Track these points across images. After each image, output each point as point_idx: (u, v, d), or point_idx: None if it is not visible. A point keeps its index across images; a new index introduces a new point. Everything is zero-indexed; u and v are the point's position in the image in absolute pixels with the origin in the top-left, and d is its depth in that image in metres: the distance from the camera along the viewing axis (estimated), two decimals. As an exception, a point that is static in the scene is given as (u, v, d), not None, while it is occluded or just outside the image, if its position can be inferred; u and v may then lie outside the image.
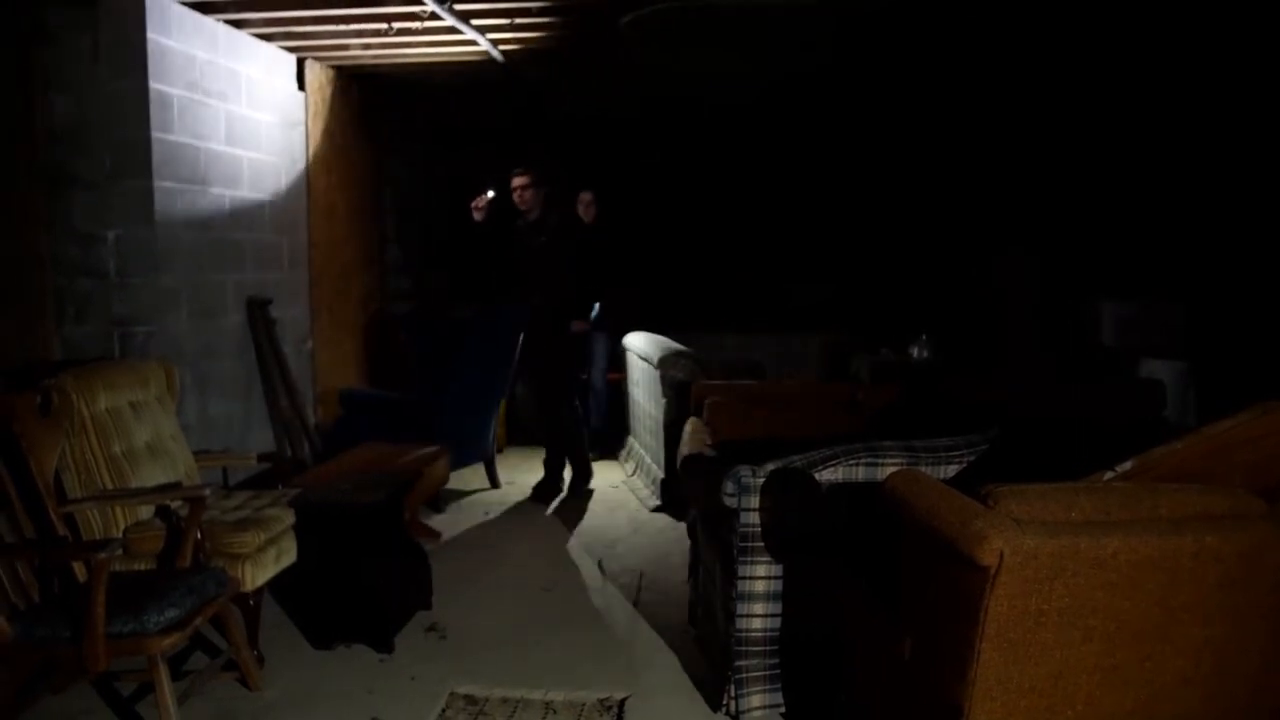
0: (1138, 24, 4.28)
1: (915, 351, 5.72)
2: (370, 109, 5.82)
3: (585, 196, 6.06)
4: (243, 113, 4.37)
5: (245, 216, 4.44)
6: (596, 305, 6.00)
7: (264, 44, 4.52)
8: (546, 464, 5.35)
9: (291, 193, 4.90)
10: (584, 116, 6.70)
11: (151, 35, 3.67)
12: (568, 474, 5.39)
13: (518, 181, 5.03)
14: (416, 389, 5.28)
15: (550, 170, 5.24)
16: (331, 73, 5.28)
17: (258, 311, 4.51)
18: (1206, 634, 1.77)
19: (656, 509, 5.00)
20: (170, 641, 2.44)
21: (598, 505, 5.17)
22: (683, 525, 4.22)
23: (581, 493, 5.29)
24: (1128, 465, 1.99)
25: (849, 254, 7.04)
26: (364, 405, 5.20)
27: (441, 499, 4.94)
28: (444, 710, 2.81)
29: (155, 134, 3.72)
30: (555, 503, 5.18)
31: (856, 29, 4.56)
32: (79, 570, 2.63)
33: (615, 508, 5.12)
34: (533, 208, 5.08)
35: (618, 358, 6.20)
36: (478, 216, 5.01)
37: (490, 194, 5.03)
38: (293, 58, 4.85)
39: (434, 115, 6.71)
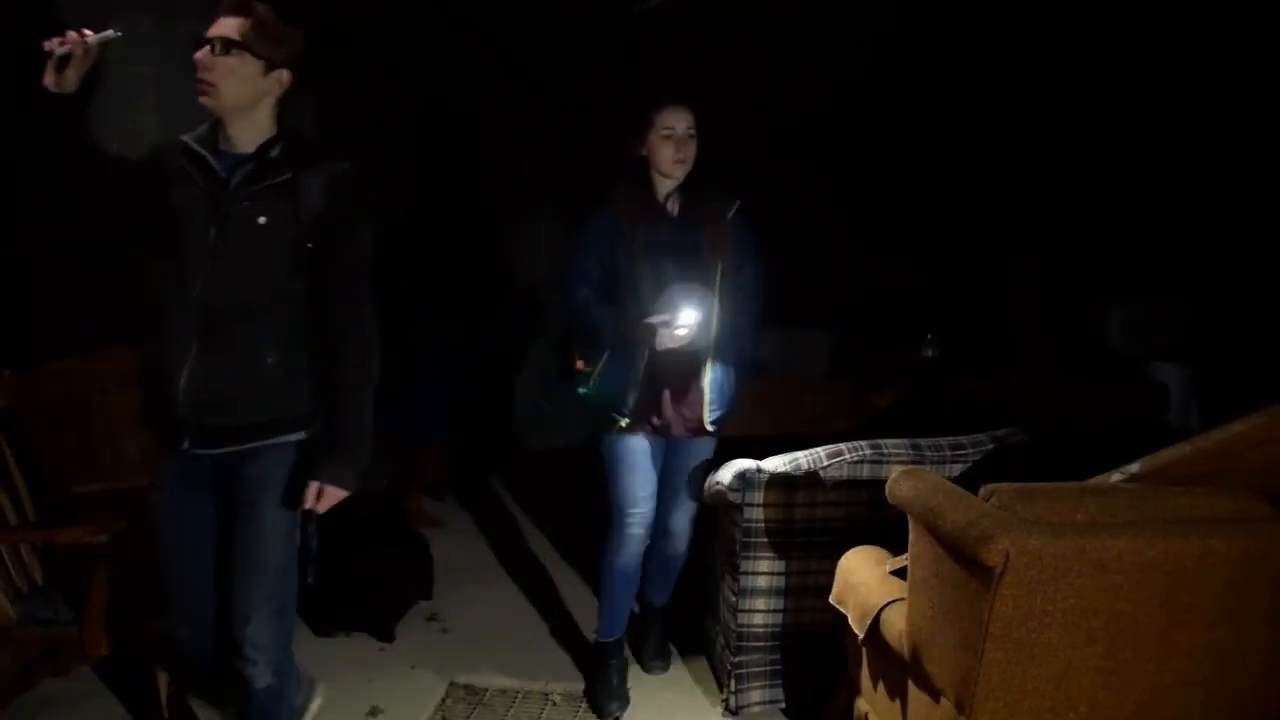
0: (1148, 25, 4.27)
1: (922, 351, 5.71)
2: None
3: (676, 120, 2.63)
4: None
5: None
6: (719, 374, 2.73)
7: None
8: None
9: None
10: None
11: (160, 20, 3.65)
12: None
13: (218, 28, 1.96)
14: (419, 379, 5.27)
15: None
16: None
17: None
18: (1210, 637, 1.77)
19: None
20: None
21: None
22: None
23: None
24: (1134, 467, 1.99)
25: (855, 253, 7.03)
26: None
27: (444, 488, 4.94)
28: (444, 700, 2.82)
29: (163, 121, 3.70)
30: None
31: (866, 29, 4.55)
32: (82, 554, 2.63)
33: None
34: (227, 101, 1.98)
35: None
36: (52, 84, 1.90)
37: (108, 31, 1.92)
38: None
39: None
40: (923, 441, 2.67)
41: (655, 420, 2.71)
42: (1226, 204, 4.93)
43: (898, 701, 2.12)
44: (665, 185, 2.72)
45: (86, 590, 2.33)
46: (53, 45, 1.88)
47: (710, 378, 2.71)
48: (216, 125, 2.04)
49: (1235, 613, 1.77)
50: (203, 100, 1.97)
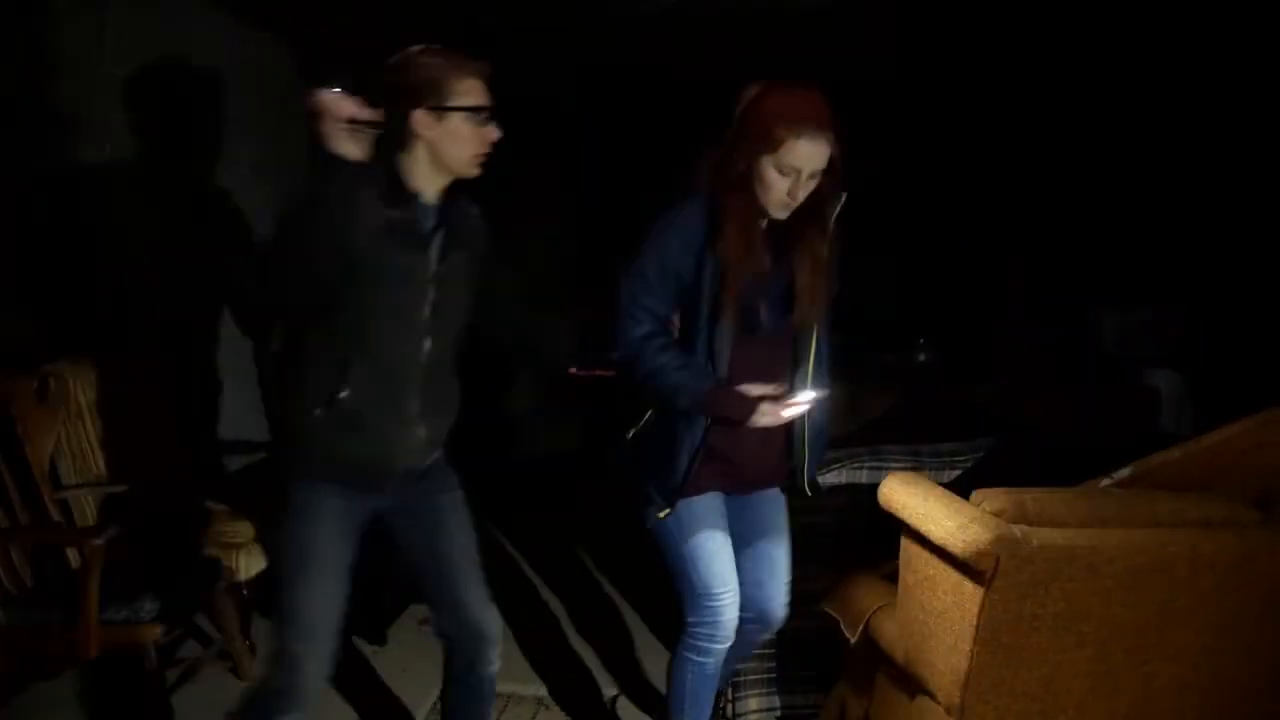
0: (1147, 26, 4.29)
1: (915, 355, 5.71)
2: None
3: (811, 160, 1.90)
4: (251, 99, 4.35)
5: (252, 204, 4.42)
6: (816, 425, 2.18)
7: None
8: None
9: (296, 178, 4.88)
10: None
11: (160, 19, 3.65)
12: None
13: (488, 98, 1.83)
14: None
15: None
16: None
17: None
18: (1201, 641, 1.77)
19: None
20: (162, 630, 2.44)
21: (595, 505, 5.17)
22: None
23: None
24: (1125, 472, 1.99)
25: (850, 255, 7.02)
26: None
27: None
28: (435, 704, 2.81)
29: (162, 120, 3.70)
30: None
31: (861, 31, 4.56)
32: (72, 556, 2.62)
33: (613, 509, 5.12)
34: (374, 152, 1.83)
35: None
36: (348, 150, 1.80)
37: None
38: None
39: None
40: (923, 448, 2.67)
41: (721, 479, 2.12)
42: (1222, 209, 4.95)
43: (890, 706, 2.12)
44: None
45: (77, 593, 2.33)
46: (323, 104, 1.78)
47: (802, 429, 2.14)
48: (391, 174, 1.85)
49: (1227, 616, 1.77)
50: (472, 173, 1.87)
